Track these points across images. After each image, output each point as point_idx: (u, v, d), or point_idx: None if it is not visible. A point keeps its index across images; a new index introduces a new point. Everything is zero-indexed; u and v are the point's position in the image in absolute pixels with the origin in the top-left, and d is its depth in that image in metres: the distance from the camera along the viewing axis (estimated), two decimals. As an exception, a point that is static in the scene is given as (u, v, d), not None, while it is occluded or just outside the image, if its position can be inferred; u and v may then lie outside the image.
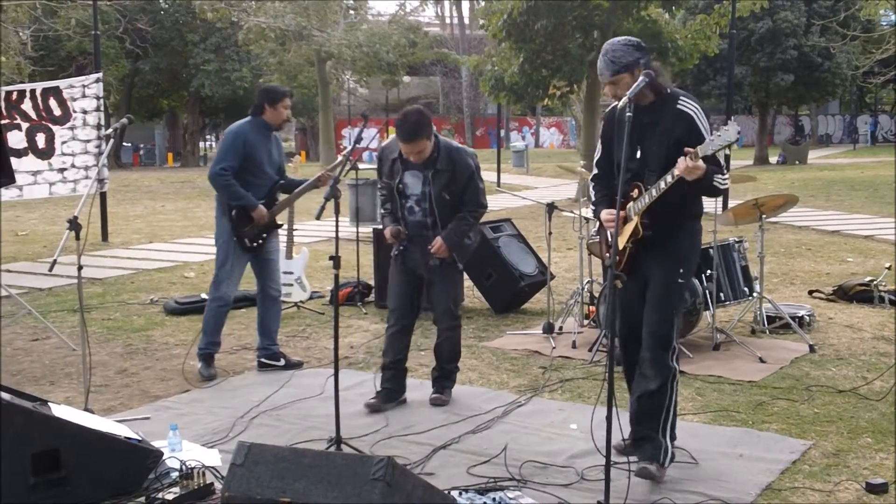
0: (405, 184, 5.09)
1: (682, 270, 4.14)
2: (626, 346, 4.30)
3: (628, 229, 4.11)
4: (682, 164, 3.81)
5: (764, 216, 6.78)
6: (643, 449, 4.10)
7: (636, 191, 4.08)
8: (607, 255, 4.31)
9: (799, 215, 14.16)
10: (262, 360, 6.02)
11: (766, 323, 6.86)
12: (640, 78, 3.91)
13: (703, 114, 4.02)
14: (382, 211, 5.37)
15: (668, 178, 3.90)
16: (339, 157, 5.89)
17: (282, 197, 6.11)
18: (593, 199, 4.40)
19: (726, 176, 4.01)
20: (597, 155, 4.39)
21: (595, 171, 4.40)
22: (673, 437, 4.16)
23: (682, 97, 4.05)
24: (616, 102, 4.13)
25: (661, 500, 3.80)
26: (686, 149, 3.82)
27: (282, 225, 6.15)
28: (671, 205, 3.99)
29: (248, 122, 5.86)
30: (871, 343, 6.51)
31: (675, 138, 3.95)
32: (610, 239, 4.22)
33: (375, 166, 5.36)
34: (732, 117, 14.46)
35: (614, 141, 4.17)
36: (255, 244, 5.90)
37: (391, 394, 5.20)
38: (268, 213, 5.86)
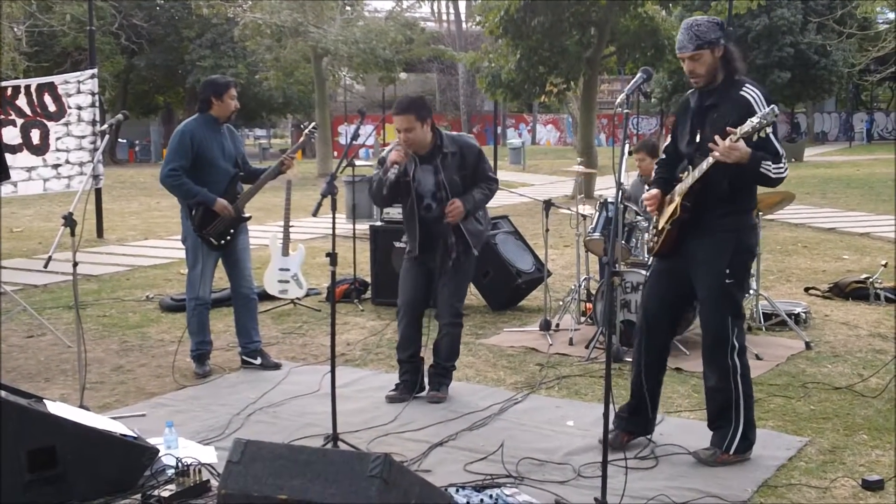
0: (418, 180, 5.04)
1: (728, 271, 4.06)
2: (644, 338, 4.31)
3: (669, 210, 4.12)
4: (722, 144, 3.75)
5: (760, 213, 6.77)
6: (714, 435, 4.24)
7: (685, 173, 4.09)
8: (648, 237, 4.36)
9: (795, 213, 14.18)
10: (243, 357, 6.02)
11: (762, 320, 6.87)
12: (639, 74, 3.91)
13: (763, 99, 3.90)
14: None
15: (710, 160, 3.87)
16: (301, 139, 5.88)
17: (247, 188, 6.00)
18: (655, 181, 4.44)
19: (782, 165, 3.88)
20: (667, 140, 4.43)
21: (662, 156, 4.44)
22: (747, 424, 4.18)
23: (748, 84, 3.99)
24: (691, 90, 4.16)
25: (658, 497, 3.80)
26: (728, 129, 3.78)
27: (249, 218, 5.94)
28: (718, 193, 3.96)
29: (195, 119, 5.79)
30: (868, 340, 6.52)
31: (729, 123, 3.87)
32: (655, 222, 4.33)
33: (375, 167, 5.32)
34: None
35: (680, 127, 4.20)
36: (222, 242, 5.80)
37: (410, 385, 5.22)
38: (232, 206, 5.74)
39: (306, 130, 5.87)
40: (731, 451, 4.16)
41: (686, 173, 4.07)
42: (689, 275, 4.17)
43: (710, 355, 4.19)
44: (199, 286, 5.83)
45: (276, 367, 5.93)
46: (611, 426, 4.29)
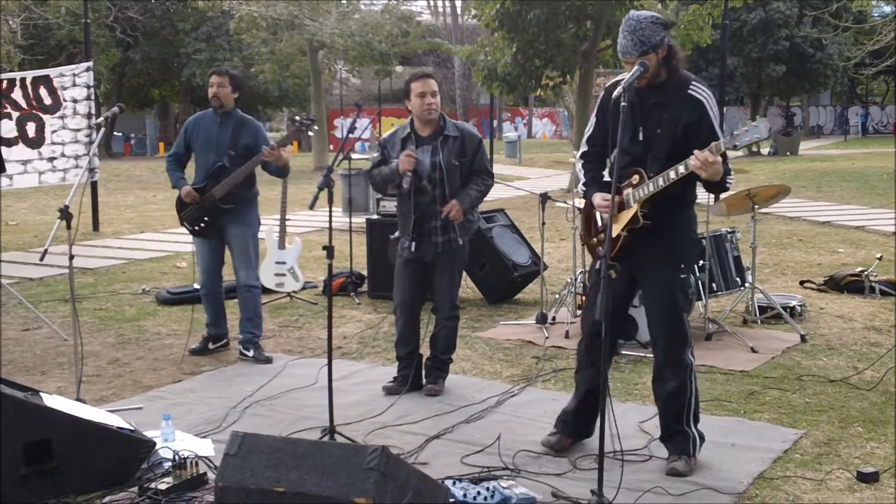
0: (417, 160, 5.06)
1: (682, 265, 4.05)
2: (595, 343, 4.05)
3: (625, 217, 3.95)
4: (703, 156, 3.64)
5: (756, 206, 6.79)
6: (673, 442, 4.10)
7: (637, 177, 3.91)
8: (593, 239, 4.18)
9: (790, 206, 14.20)
10: (239, 348, 6.08)
11: (757, 313, 6.88)
12: (636, 68, 3.78)
13: (714, 102, 3.86)
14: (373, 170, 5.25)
15: (681, 169, 3.74)
16: (292, 131, 5.87)
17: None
18: (582, 179, 4.18)
19: (732, 175, 3.89)
20: (589, 130, 4.17)
21: (585, 147, 4.19)
22: (696, 421, 4.14)
23: (694, 82, 3.89)
24: (622, 75, 3.92)
25: (654, 489, 3.81)
26: (714, 143, 3.65)
27: (232, 208, 5.85)
28: (670, 194, 3.86)
29: (207, 110, 6.06)
30: (862, 333, 6.54)
31: (683, 125, 3.80)
32: (600, 224, 4.15)
33: (373, 158, 5.33)
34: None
35: (612, 121, 3.94)
36: (196, 228, 5.93)
37: (408, 379, 5.23)
38: (207, 195, 5.79)
39: (297, 123, 5.86)
40: (696, 454, 4.08)
41: (638, 177, 3.89)
42: (635, 274, 4.05)
43: (671, 354, 4.03)
44: (200, 274, 6.11)
45: (268, 360, 5.93)
46: (553, 430, 4.30)
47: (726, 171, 3.81)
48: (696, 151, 3.69)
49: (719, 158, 3.68)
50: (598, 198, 4.06)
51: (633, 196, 3.92)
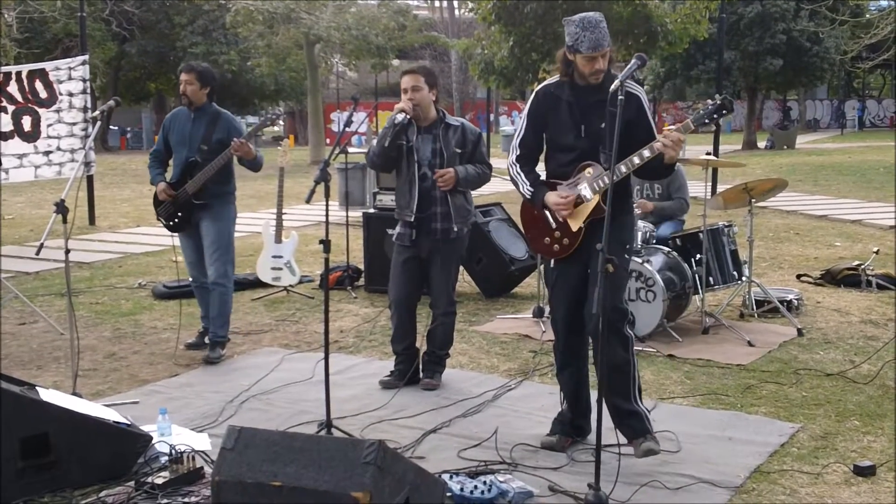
0: (417, 148, 5.11)
1: (628, 247, 4.17)
2: (568, 343, 4.28)
3: (586, 209, 4.05)
4: (674, 136, 3.85)
5: (753, 200, 6.79)
6: (628, 426, 4.10)
7: (590, 170, 4.04)
8: (546, 240, 4.18)
9: (787, 200, 14.20)
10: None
11: (754, 307, 6.89)
12: (633, 61, 3.92)
13: (646, 98, 4.08)
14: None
15: (646, 153, 3.90)
16: (261, 122, 5.87)
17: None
18: (525, 182, 4.20)
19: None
20: (520, 133, 4.24)
21: (518, 151, 4.24)
22: (641, 395, 4.17)
23: (626, 79, 3.97)
24: (550, 80, 4.15)
25: (651, 483, 3.82)
26: (683, 122, 3.92)
27: (205, 203, 5.78)
28: (621, 181, 4.01)
29: (181, 107, 6.01)
30: (859, 327, 6.55)
31: (625, 119, 3.86)
32: (553, 223, 4.17)
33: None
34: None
35: (549, 121, 4.12)
36: (171, 223, 5.93)
37: (405, 373, 5.24)
38: (179, 191, 5.78)
39: (265, 116, 5.87)
40: (653, 430, 4.09)
41: (591, 169, 4.00)
42: (590, 263, 4.08)
43: (615, 330, 4.02)
44: (187, 267, 6.12)
45: (211, 361, 5.79)
46: (551, 431, 4.33)
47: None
48: (665, 132, 3.90)
49: (685, 137, 3.91)
50: (555, 196, 4.11)
51: (593, 188, 4.04)
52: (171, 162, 6.02)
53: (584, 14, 3.98)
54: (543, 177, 4.25)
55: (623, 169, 3.94)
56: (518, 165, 4.26)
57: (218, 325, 5.93)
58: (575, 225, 4.08)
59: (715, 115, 3.95)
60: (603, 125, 3.99)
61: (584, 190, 4.05)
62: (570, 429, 4.34)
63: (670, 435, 4.31)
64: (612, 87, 3.87)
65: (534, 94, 4.22)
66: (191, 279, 6.18)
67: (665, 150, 3.88)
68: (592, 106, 4.03)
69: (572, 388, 4.33)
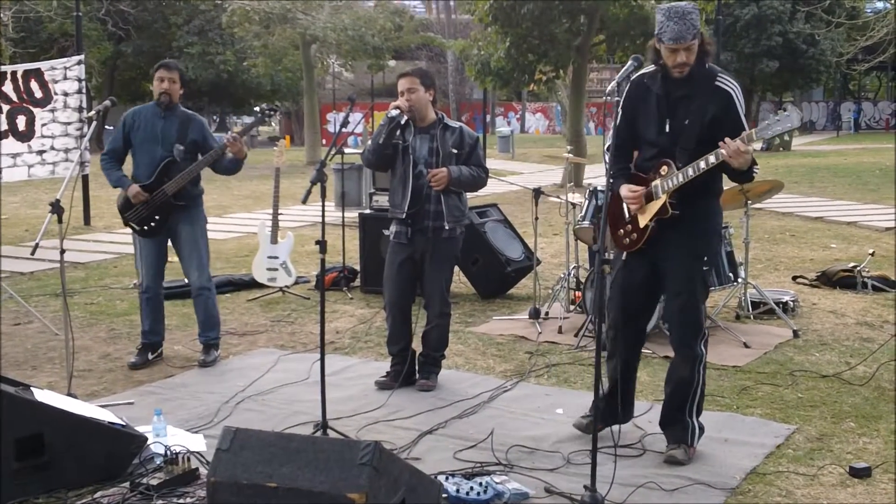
0: (413, 147, 5.11)
1: (706, 257, 4.08)
2: (621, 332, 4.22)
3: (653, 207, 3.98)
4: (735, 146, 3.68)
5: (749, 202, 6.79)
6: (672, 431, 4.13)
7: (665, 168, 3.93)
8: (620, 232, 4.16)
9: (783, 202, 14.21)
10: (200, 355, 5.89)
11: (750, 308, 6.89)
12: (630, 62, 3.87)
13: (741, 93, 3.89)
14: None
15: (711, 159, 3.77)
16: (247, 119, 5.85)
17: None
18: (610, 170, 4.14)
19: (758, 165, 3.92)
20: (616, 122, 4.13)
21: (612, 140, 4.17)
22: (699, 414, 4.16)
23: (720, 73, 3.92)
24: (647, 69, 3.98)
25: (647, 484, 3.82)
26: (745, 133, 3.70)
27: (183, 205, 5.65)
28: (697, 184, 3.88)
29: (148, 104, 5.85)
30: (855, 328, 6.55)
31: (710, 115, 3.81)
32: (627, 216, 4.12)
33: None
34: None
35: (639, 112, 4.01)
36: (145, 228, 5.64)
37: (401, 374, 5.23)
38: (157, 192, 5.55)
39: (259, 112, 5.83)
40: (694, 444, 4.12)
41: (666, 168, 3.92)
42: (660, 265, 4.07)
43: (684, 345, 4.07)
44: (141, 275, 5.78)
45: (207, 365, 5.71)
46: (588, 413, 4.34)
47: (752, 161, 3.83)
48: (727, 140, 3.72)
49: (750, 148, 3.72)
50: (626, 189, 4.08)
51: (662, 186, 3.95)
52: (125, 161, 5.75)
53: (675, 3, 3.81)
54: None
55: (690, 172, 3.83)
56: (609, 153, 4.16)
57: (209, 329, 5.85)
58: (642, 221, 4.02)
59: (781, 132, 3.76)
60: (687, 122, 3.88)
61: (656, 187, 3.97)
62: (605, 415, 4.27)
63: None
64: (609, 88, 3.85)
65: (629, 83, 4.08)
66: (143, 289, 5.78)
67: (727, 160, 3.74)
68: (679, 101, 3.91)
69: (615, 377, 4.29)
